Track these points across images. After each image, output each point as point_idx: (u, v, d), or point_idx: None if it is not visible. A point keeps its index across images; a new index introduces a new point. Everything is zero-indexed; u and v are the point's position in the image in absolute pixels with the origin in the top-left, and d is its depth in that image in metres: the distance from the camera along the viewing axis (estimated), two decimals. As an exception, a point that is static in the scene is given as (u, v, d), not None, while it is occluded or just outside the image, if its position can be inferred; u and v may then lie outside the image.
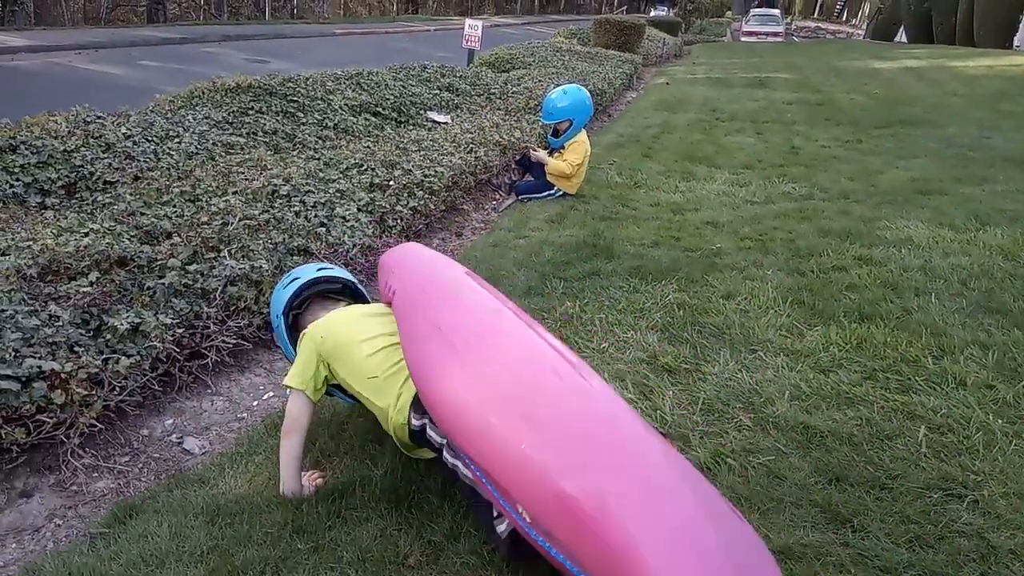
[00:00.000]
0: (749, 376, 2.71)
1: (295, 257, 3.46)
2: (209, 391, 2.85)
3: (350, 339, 2.05)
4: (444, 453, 1.82)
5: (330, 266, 2.51)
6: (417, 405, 1.86)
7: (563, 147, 5.56)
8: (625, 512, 1.31)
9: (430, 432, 1.86)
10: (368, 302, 2.46)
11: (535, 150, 5.80)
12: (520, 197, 5.68)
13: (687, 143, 7.77)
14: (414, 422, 1.89)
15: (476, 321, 1.88)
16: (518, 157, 6.02)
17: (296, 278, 2.38)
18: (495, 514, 1.71)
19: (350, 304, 2.38)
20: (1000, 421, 2.34)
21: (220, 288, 3.01)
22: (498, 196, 5.86)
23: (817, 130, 8.60)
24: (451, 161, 5.30)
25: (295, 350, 2.19)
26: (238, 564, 1.79)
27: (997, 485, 2.02)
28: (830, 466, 2.14)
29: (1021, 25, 23.92)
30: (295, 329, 2.34)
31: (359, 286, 2.49)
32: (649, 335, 3.08)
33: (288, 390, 2.08)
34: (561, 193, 5.57)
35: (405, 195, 4.57)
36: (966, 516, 1.91)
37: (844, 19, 58.35)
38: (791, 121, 9.31)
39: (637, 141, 7.85)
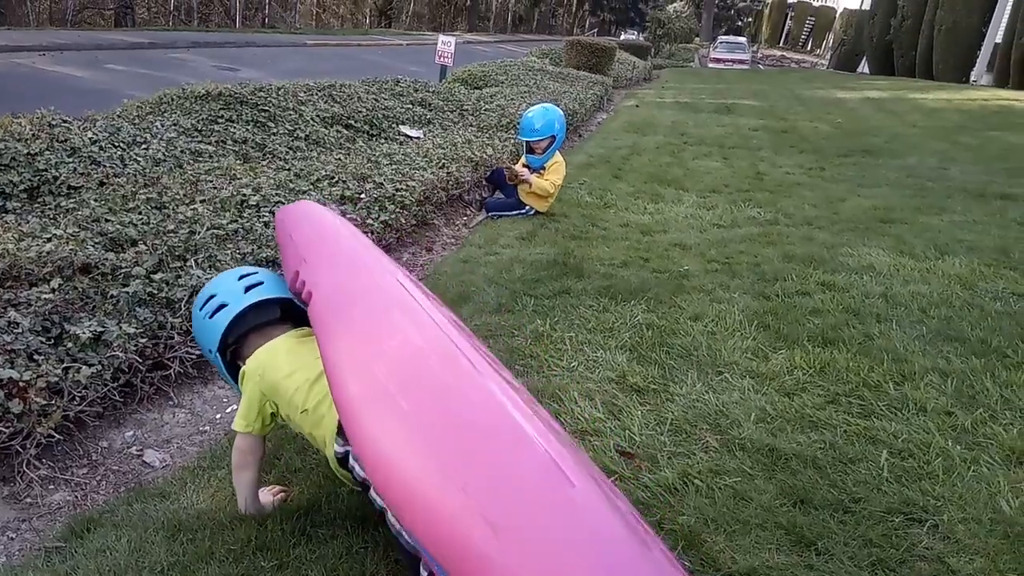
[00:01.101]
0: (716, 398, 2.74)
1: (263, 267, 3.42)
2: (171, 403, 2.79)
3: (280, 375, 1.88)
4: (372, 492, 1.62)
5: (253, 271, 2.12)
6: (342, 431, 1.69)
7: (543, 167, 5.56)
8: None
9: (352, 462, 1.69)
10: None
11: (518, 171, 5.63)
12: (491, 214, 5.69)
13: (656, 165, 7.88)
14: (337, 448, 1.74)
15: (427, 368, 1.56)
16: (488, 174, 6.04)
17: (223, 305, 2.01)
18: (425, 573, 1.49)
19: (288, 326, 2.08)
20: (959, 447, 2.40)
21: (186, 298, 2.96)
22: (469, 212, 5.87)
23: (782, 157, 8.79)
24: (423, 176, 5.30)
25: (237, 383, 2.03)
26: (200, 582, 1.75)
27: (956, 510, 2.07)
28: (795, 489, 2.17)
29: (978, 61, 24.81)
30: (236, 357, 2.08)
31: (295, 300, 2.06)
32: (618, 355, 3.10)
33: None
34: (533, 211, 5.60)
35: (376, 208, 4.55)
36: (927, 540, 1.95)
37: (809, 48, 59.96)
38: (757, 147, 9.50)
39: (607, 162, 7.93)
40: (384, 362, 1.55)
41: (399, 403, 1.44)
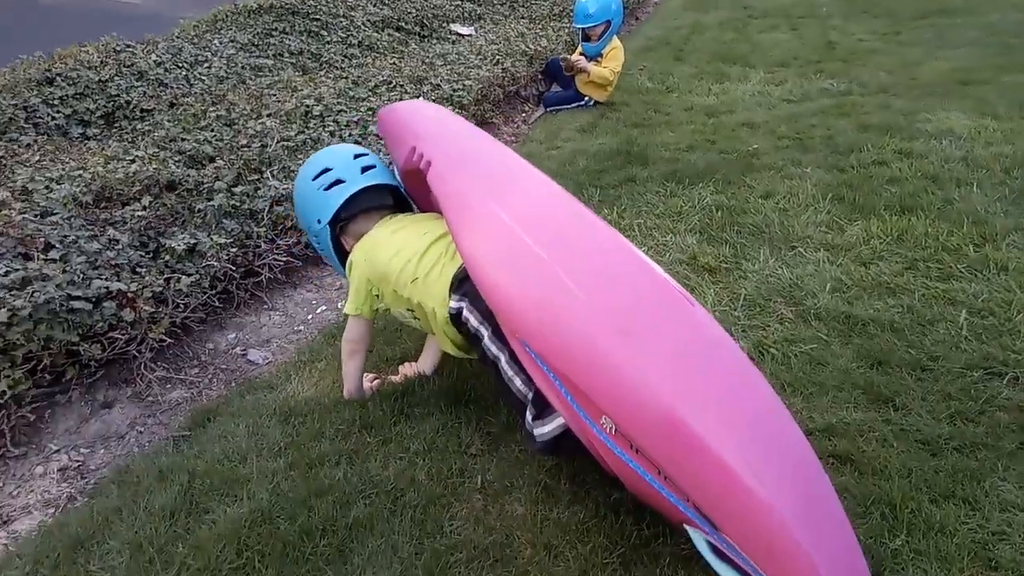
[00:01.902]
0: (790, 272, 2.75)
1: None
2: (266, 307, 2.97)
3: (386, 257, 1.95)
4: (485, 341, 1.74)
5: (365, 152, 2.19)
6: (456, 287, 1.79)
7: (601, 54, 5.42)
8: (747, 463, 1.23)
9: (467, 315, 1.77)
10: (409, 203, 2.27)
11: (575, 60, 5.52)
12: (549, 108, 5.62)
13: (719, 43, 7.55)
14: (452, 304, 1.80)
15: (553, 216, 1.70)
16: (544, 67, 5.91)
17: (340, 180, 2.08)
18: (530, 417, 1.65)
19: (387, 214, 2.16)
20: (1042, 303, 2.37)
21: (267, 208, 3.10)
22: (527, 108, 5.81)
23: (853, 23, 8.27)
24: (479, 74, 5.25)
25: (340, 261, 2.15)
26: (314, 456, 1.93)
27: (1038, 362, 2.07)
28: (871, 351, 2.20)
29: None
30: (341, 234, 2.16)
31: (402, 190, 2.23)
32: (688, 237, 3.12)
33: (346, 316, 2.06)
34: (592, 102, 5.50)
35: (436, 110, 4.56)
36: (1006, 392, 1.97)
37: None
38: (826, 15, 8.94)
39: (667, 44, 7.64)
40: (511, 208, 1.68)
41: (528, 239, 1.58)
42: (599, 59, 5.40)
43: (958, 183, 3.39)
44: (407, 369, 2.33)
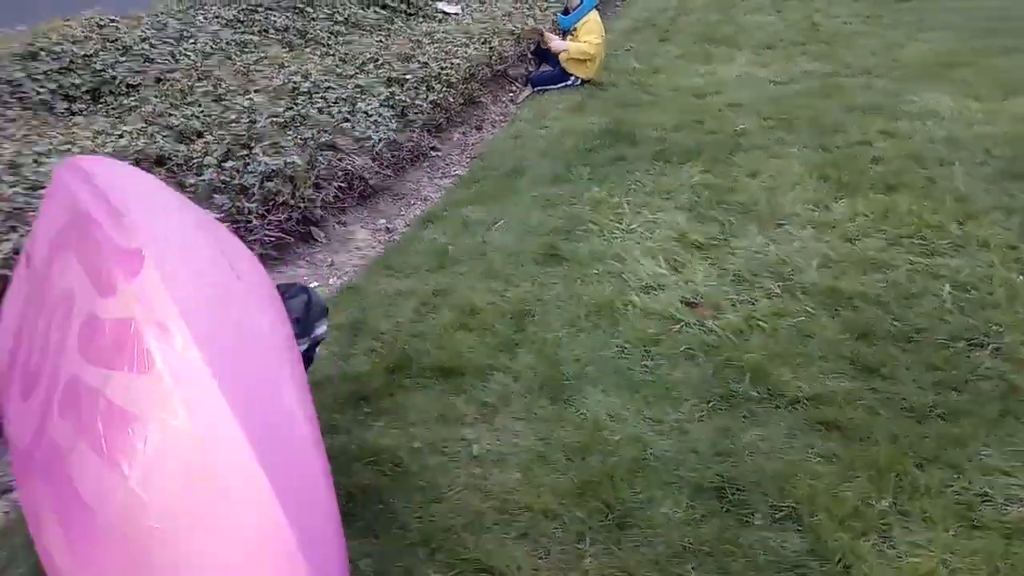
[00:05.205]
0: (778, 248, 2.79)
1: (326, 152, 3.51)
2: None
3: None
4: None
5: None
6: None
7: (575, 28, 5.45)
8: None
9: None
10: None
11: (547, 36, 5.63)
12: (537, 88, 5.62)
13: (705, 24, 7.56)
14: None
15: None
16: (533, 47, 5.91)
17: None
18: None
19: None
20: (1022, 277, 2.43)
21: (258, 184, 3.08)
22: (515, 88, 5.80)
23: (837, 5, 8.31)
24: (466, 53, 5.23)
25: None
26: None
27: (1019, 334, 2.14)
28: (857, 324, 2.25)
29: None
30: None
31: None
32: (677, 215, 3.15)
33: None
34: (579, 82, 5.50)
35: (424, 89, 4.55)
36: (988, 362, 2.04)
37: None
38: (810, -2, 8.98)
39: (653, 25, 7.65)
40: None
41: None
42: (573, 32, 5.43)
43: (941, 162, 3.45)
44: None
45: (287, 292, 1.73)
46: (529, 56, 5.94)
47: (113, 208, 1.36)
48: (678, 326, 2.35)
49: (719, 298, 2.51)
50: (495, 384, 2.12)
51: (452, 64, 4.93)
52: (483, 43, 5.57)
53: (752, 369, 2.08)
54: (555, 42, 5.51)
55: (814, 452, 1.79)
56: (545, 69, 5.73)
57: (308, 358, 1.72)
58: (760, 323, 2.33)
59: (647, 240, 2.95)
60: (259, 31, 5.23)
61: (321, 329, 1.78)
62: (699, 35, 7.02)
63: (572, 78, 5.51)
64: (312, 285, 2.99)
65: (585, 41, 5.34)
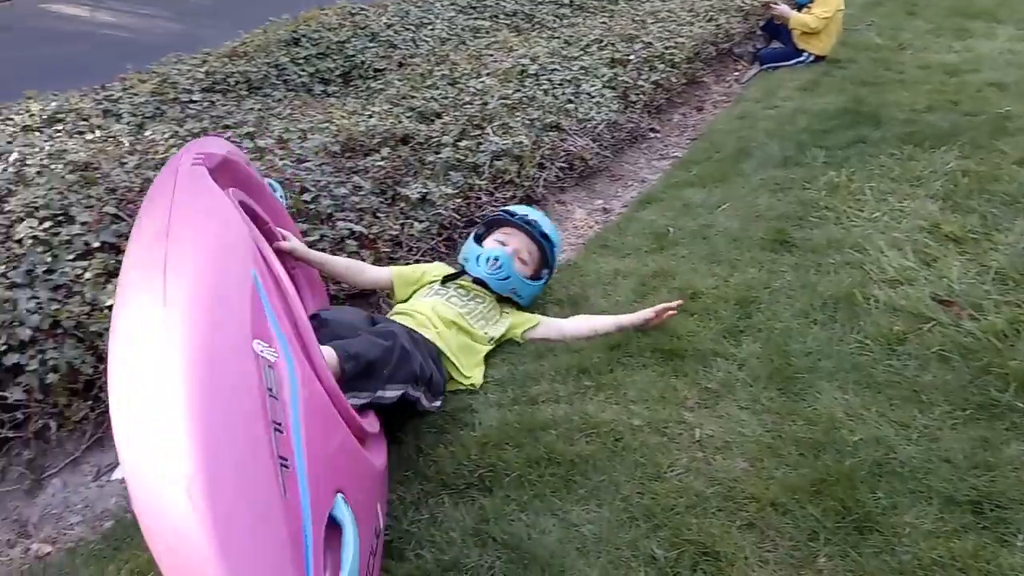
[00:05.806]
0: (1053, 245, 2.45)
1: (550, 132, 3.61)
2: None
3: None
4: None
5: None
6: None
7: (811, 2, 5.09)
8: None
9: None
10: None
11: (776, 5, 5.33)
12: (765, 66, 5.34)
13: (961, -6, 6.75)
14: None
15: None
16: (763, 23, 5.62)
17: None
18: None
19: None
20: None
21: (488, 162, 3.24)
22: (741, 66, 5.56)
23: None
24: (691, 31, 5.10)
25: None
26: (534, 394, 2.03)
27: None
28: None
29: None
30: None
31: None
32: (928, 204, 2.87)
33: None
34: (812, 59, 5.16)
35: (646, 69, 4.50)
36: None
37: None
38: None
39: (899, -3, 6.96)
40: None
41: None
42: (809, 6, 5.07)
43: None
44: None
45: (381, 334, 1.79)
46: (758, 32, 5.67)
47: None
48: (929, 325, 2.14)
49: (978, 297, 2.25)
50: (718, 370, 2.07)
51: (676, 43, 4.83)
52: (708, 20, 5.40)
53: (1019, 378, 1.85)
54: (781, 6, 5.22)
55: (1096, 477, 1.56)
56: (776, 46, 5.45)
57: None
58: (1030, 328, 2.06)
59: (893, 230, 2.71)
60: (490, 16, 5.46)
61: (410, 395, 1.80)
62: (951, 8, 6.28)
63: (805, 55, 5.18)
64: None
65: (813, 13, 4.99)
